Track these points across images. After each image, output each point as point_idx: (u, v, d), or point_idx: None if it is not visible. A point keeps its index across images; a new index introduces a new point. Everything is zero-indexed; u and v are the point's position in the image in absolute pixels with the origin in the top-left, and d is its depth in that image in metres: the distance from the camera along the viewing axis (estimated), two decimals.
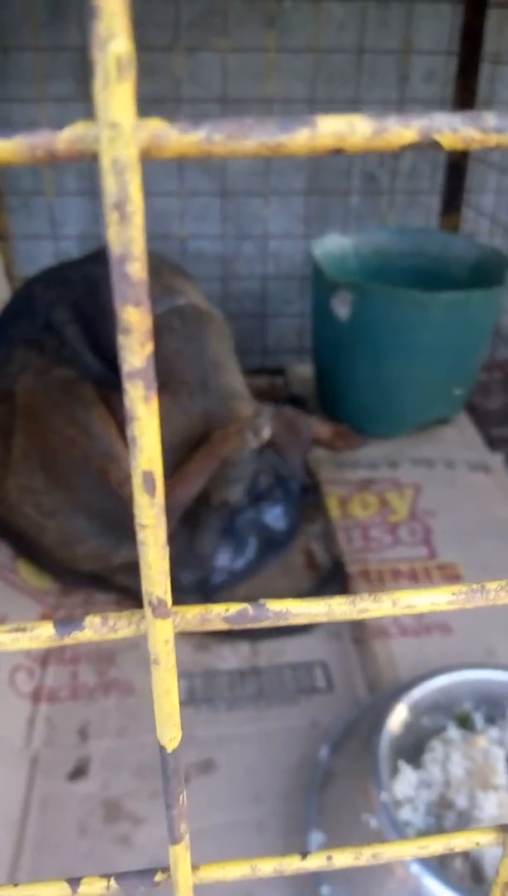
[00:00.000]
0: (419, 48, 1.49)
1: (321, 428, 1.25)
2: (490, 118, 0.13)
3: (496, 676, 0.81)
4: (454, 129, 0.13)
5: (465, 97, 1.34)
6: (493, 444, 1.27)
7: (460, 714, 0.80)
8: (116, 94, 0.12)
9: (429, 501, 1.12)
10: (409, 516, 1.09)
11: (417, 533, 1.05)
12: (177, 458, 0.98)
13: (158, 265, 1.11)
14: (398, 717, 0.76)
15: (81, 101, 1.42)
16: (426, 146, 0.13)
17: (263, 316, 1.57)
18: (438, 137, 0.13)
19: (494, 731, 0.78)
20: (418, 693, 0.79)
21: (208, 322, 1.04)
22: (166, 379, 0.99)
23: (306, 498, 1.14)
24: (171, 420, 0.97)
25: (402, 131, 0.13)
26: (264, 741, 0.84)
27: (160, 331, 1.01)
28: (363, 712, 0.83)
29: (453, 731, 0.78)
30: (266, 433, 0.98)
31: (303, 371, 1.47)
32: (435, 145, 0.13)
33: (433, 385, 1.19)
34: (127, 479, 0.93)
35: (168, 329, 1.01)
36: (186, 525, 0.98)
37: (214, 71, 1.46)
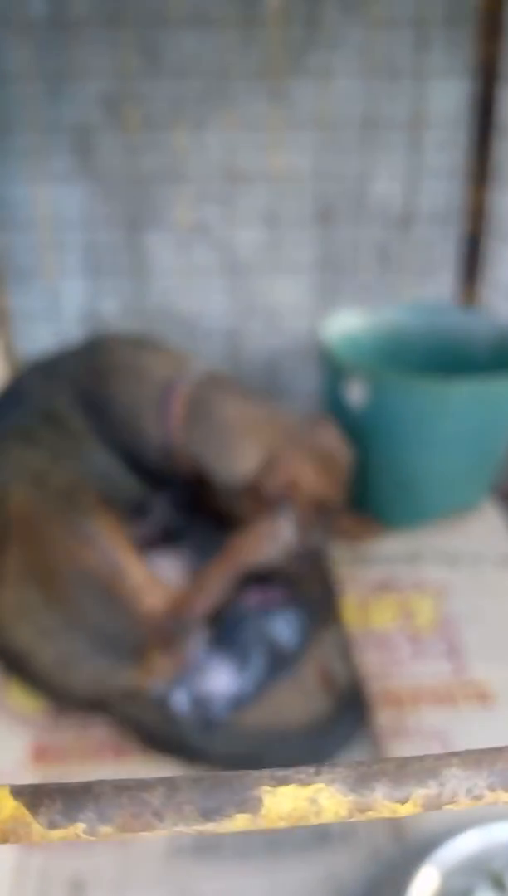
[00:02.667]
0: (430, 120, 1.45)
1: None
2: None
3: None
4: None
5: (479, 170, 1.30)
6: None
7: (492, 872, 0.72)
8: None
9: (454, 605, 1.04)
10: (432, 623, 1.01)
11: (442, 644, 0.98)
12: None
13: (154, 342, 1.07)
14: (424, 883, 0.68)
15: (80, 180, 1.40)
16: None
17: (274, 392, 1.51)
18: None
19: None
20: (445, 852, 0.70)
21: (220, 385, 1.01)
22: (196, 469, 0.96)
23: (320, 602, 1.07)
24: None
25: None
26: None
27: (200, 402, 0.98)
28: (385, 869, 0.75)
29: (485, 894, 0.70)
30: (288, 537, 0.92)
31: None
32: None
33: (455, 475, 1.12)
34: (138, 592, 0.87)
35: (206, 400, 0.98)
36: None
37: (219, 145, 1.43)
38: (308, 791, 0.20)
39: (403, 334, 1.28)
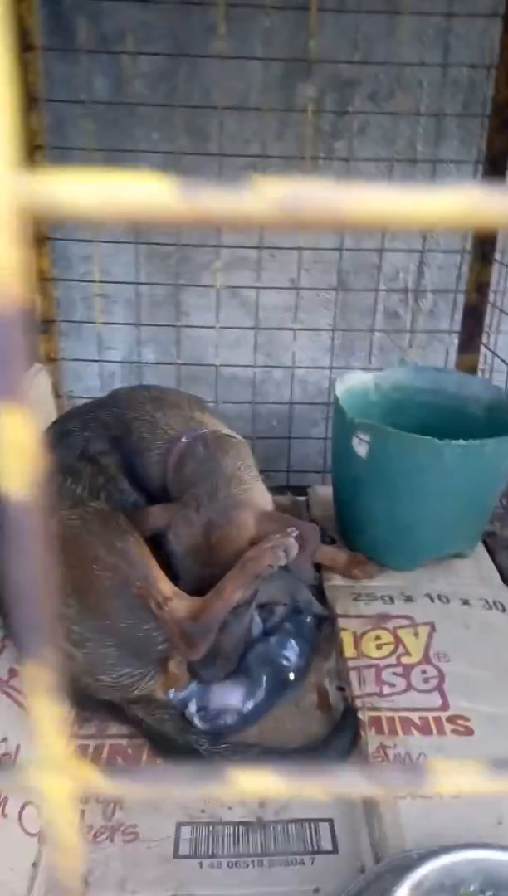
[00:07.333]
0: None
1: (338, 555, 1.19)
2: None
3: (503, 857, 0.72)
4: None
5: (483, 249, 1.33)
6: None
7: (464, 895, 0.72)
8: None
9: (443, 643, 1.04)
10: (423, 659, 1.01)
11: (430, 679, 0.98)
12: (185, 564, 0.95)
13: (178, 400, 1.10)
14: None
15: (130, 243, 1.44)
16: None
17: (288, 437, 1.54)
18: None
19: None
20: (421, 873, 0.70)
21: (226, 443, 1.03)
22: (182, 494, 0.97)
23: (321, 630, 1.08)
24: (177, 527, 0.95)
25: None
26: None
27: (186, 457, 1.00)
28: (366, 885, 0.75)
29: None
30: (294, 552, 0.94)
31: (324, 493, 1.41)
32: None
33: (449, 523, 1.13)
34: (166, 600, 0.90)
35: (191, 454, 1.00)
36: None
37: None
38: None
39: (407, 392, 1.30)
